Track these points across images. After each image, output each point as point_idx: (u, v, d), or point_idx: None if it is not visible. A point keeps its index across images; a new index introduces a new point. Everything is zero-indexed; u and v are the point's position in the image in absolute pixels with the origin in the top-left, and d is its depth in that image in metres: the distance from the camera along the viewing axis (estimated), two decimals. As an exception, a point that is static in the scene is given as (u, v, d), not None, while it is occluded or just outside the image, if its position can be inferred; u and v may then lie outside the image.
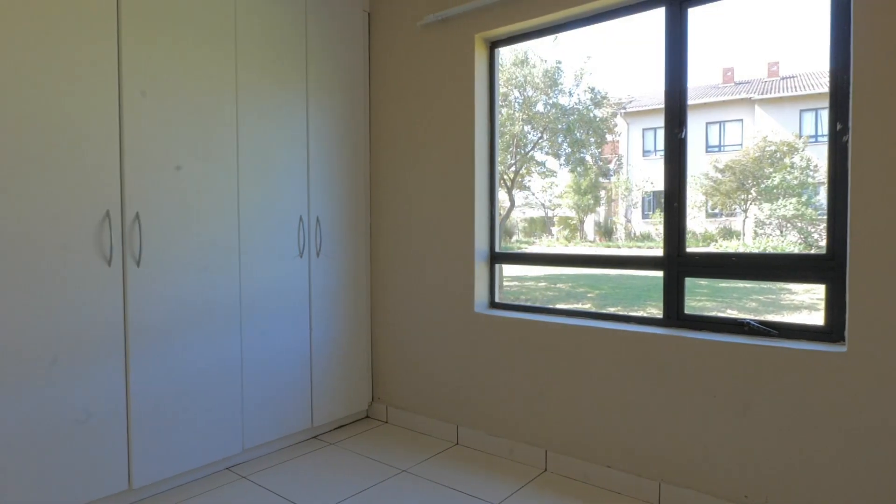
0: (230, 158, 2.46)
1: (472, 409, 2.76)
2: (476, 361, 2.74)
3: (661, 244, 2.31)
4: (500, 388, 2.65)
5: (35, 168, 1.91)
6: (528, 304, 2.74)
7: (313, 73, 2.79)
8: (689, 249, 2.25)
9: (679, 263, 2.24)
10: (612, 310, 2.64)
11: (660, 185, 2.34)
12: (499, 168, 2.84)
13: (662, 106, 2.28)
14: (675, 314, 2.26)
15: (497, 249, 2.83)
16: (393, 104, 3.03)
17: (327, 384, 2.90)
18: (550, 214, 5.98)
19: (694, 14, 2.21)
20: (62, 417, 1.98)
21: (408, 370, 3.02)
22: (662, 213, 2.27)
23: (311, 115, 2.79)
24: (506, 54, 2.94)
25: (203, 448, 2.38)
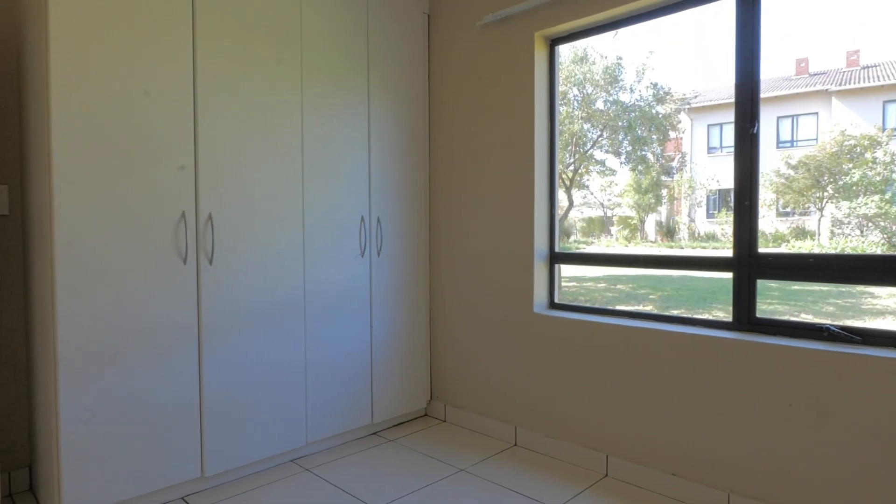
0: (296, 161, 2.54)
1: (530, 411, 2.74)
2: (535, 362, 2.72)
3: (728, 244, 2.22)
4: (560, 390, 2.62)
5: (124, 174, 2.04)
6: (588, 305, 2.69)
7: (375, 75, 2.84)
8: (760, 250, 2.15)
9: (751, 264, 2.15)
10: (675, 312, 2.56)
11: (726, 183, 2.24)
12: (558, 167, 2.80)
13: (730, 100, 2.19)
14: (745, 318, 2.16)
15: (556, 249, 2.80)
16: (452, 104, 3.05)
17: (387, 382, 2.95)
18: (609, 214, 5.84)
19: (766, 1, 2.10)
20: (145, 405, 2.11)
21: (466, 369, 3.03)
22: (730, 213, 2.18)
23: (372, 116, 2.84)
24: (565, 52, 2.90)
25: (269, 440, 2.47)
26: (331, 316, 2.69)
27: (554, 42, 2.75)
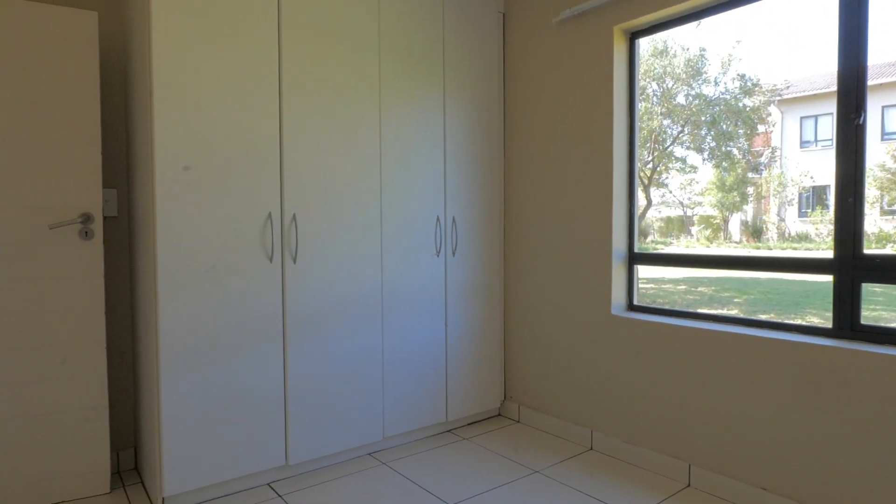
0: (374, 162, 2.61)
1: (607, 414, 2.67)
2: (612, 365, 2.65)
3: (823, 245, 2.07)
4: (639, 394, 2.54)
5: (217, 178, 2.18)
6: (667, 307, 2.59)
7: (450, 76, 2.87)
8: (865, 251, 1.99)
9: (855, 267, 1.99)
10: (764, 317, 2.41)
11: (821, 180, 2.08)
12: (637, 165, 2.71)
13: (828, 90, 2.04)
14: (848, 324, 2.01)
15: (635, 249, 2.71)
16: (528, 103, 3.03)
17: (461, 380, 2.97)
18: (689, 213, 5.59)
19: (874, -19, 1.95)
20: (236, 396, 2.24)
21: (540, 370, 3.00)
22: (825, 211, 2.03)
23: (447, 116, 2.87)
24: (644, 45, 2.81)
25: (348, 433, 2.55)
26: (407, 314, 2.74)
27: (633, 35, 2.66)
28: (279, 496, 2.25)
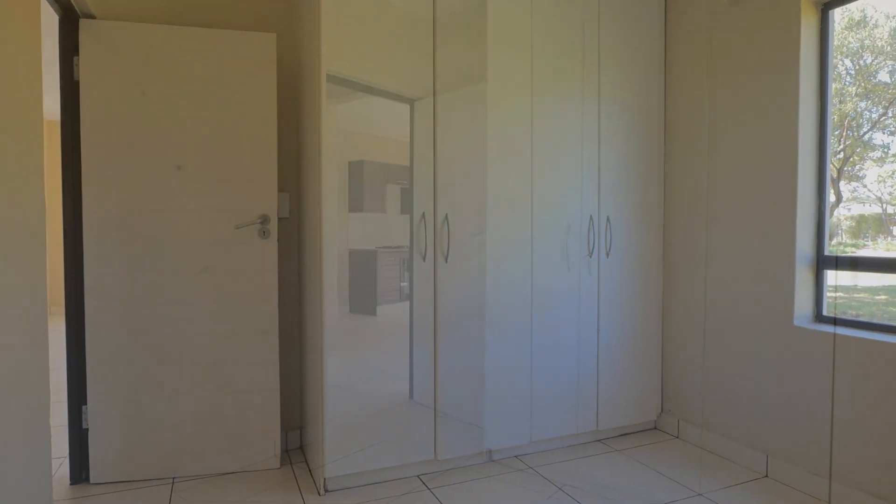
0: (525, 161, 2.56)
1: (787, 439, 2.35)
2: (795, 383, 2.32)
3: None
4: (829, 420, 2.19)
5: (374, 180, 2.29)
6: (866, 320, 2.20)
7: (606, 70, 2.73)
8: None
9: None
10: None
11: None
12: (829, 156, 2.35)
13: None
14: None
15: (825, 252, 2.35)
16: (693, 91, 2.77)
17: (613, 388, 2.81)
18: (890, 211, 4.77)
19: None
20: (390, 389, 2.33)
21: (705, 384, 2.73)
22: None
23: (602, 113, 2.73)
24: (837, 17, 2.42)
25: (495, 434, 2.53)
26: (556, 315, 2.66)
27: (826, 6, 2.31)
28: (427, 488, 2.30)
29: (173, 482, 2.36)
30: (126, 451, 2.35)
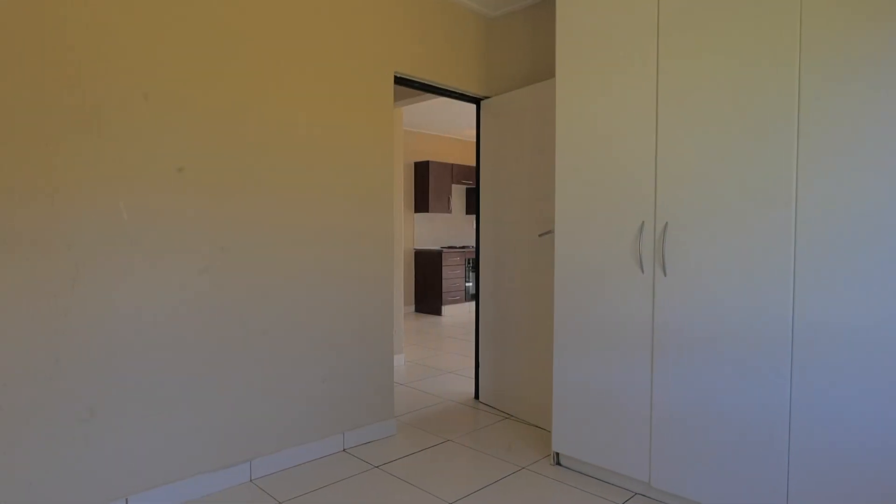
0: (780, 161, 1.95)
1: None
2: None
3: None
4: None
5: (598, 187, 2.45)
6: None
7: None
8: None
9: None
10: None
11: None
12: None
13: None
14: None
15: None
16: None
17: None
18: None
19: None
20: (607, 393, 2.44)
21: None
22: None
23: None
24: None
25: (729, 485, 2.08)
26: (845, 363, 1.83)
27: None
28: (631, 508, 2.27)
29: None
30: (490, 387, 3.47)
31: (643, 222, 2.29)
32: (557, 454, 2.67)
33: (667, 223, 2.21)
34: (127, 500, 2.15)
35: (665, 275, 2.22)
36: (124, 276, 2.13)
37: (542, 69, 3.30)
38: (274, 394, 2.58)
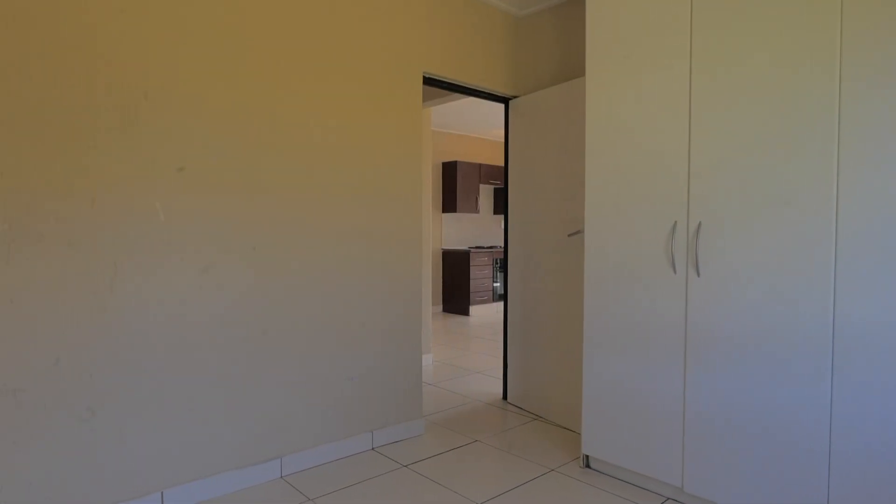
0: (819, 162, 1.89)
1: None
2: None
3: None
4: None
5: (633, 190, 2.41)
6: None
7: None
8: None
9: None
10: None
11: None
12: None
13: None
14: None
15: None
16: None
17: None
18: None
19: None
20: (637, 396, 2.40)
21: None
22: None
23: None
24: None
25: (763, 485, 2.03)
26: (894, 364, 1.77)
27: None
28: None
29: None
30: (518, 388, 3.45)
31: (675, 222, 2.24)
32: (587, 457, 2.64)
33: (700, 223, 2.17)
34: (162, 493, 2.20)
35: (698, 275, 2.17)
36: (166, 276, 2.18)
37: (570, 68, 3.26)
38: (304, 392, 2.61)
